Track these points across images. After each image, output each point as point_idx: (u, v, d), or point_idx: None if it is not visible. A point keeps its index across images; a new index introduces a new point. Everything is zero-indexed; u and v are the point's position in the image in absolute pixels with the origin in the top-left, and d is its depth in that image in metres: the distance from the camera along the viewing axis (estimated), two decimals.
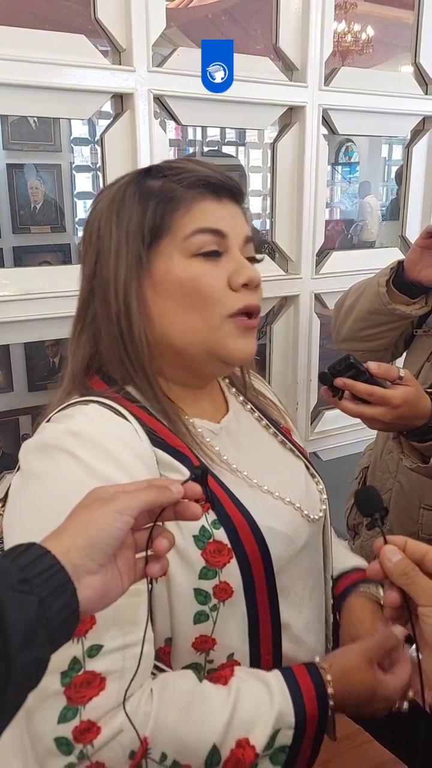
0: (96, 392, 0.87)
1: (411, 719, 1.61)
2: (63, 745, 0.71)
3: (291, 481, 0.97)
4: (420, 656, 0.67)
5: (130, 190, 0.88)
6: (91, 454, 0.79)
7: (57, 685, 0.72)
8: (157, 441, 0.84)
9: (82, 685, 0.72)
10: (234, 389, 1.04)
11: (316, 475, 1.03)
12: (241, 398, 1.03)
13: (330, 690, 0.83)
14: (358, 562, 1.13)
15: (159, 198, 0.86)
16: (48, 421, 0.87)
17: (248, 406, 1.03)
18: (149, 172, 0.89)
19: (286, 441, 1.02)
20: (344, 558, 1.12)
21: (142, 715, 0.73)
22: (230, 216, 0.88)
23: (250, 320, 0.88)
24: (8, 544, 0.81)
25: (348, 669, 0.85)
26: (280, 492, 0.93)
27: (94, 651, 0.73)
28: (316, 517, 0.97)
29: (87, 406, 0.84)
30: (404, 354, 1.64)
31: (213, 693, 0.79)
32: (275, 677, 0.82)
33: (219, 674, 0.82)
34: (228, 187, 0.89)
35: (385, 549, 0.68)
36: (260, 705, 0.79)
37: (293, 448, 1.03)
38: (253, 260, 0.91)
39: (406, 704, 0.88)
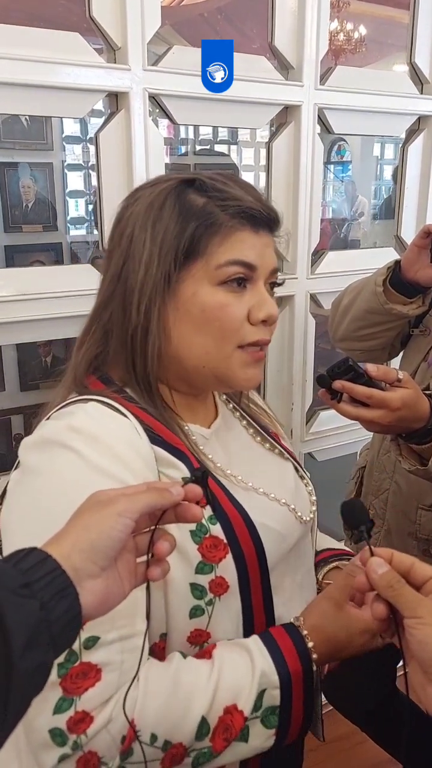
0: (94, 391, 0.88)
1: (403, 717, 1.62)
2: (57, 736, 0.72)
3: (281, 483, 0.98)
4: (406, 668, 0.67)
5: (170, 201, 0.86)
6: (92, 450, 0.79)
7: (53, 676, 0.72)
8: (155, 438, 0.85)
9: (78, 676, 0.73)
10: (225, 396, 1.04)
11: (305, 476, 1.05)
12: (231, 405, 1.04)
13: (310, 643, 0.83)
14: (333, 545, 1.15)
15: (199, 220, 0.85)
16: (48, 419, 0.87)
17: (237, 414, 1.03)
18: (192, 183, 0.87)
19: (275, 445, 1.03)
20: (320, 541, 1.14)
21: (129, 700, 0.74)
22: (263, 247, 0.88)
23: (260, 352, 0.90)
24: (6, 540, 0.82)
25: (320, 617, 0.86)
26: (274, 493, 0.94)
27: (91, 642, 0.74)
28: (308, 518, 0.98)
29: (87, 404, 0.85)
30: (401, 353, 1.64)
31: (198, 667, 0.80)
32: (254, 641, 0.83)
33: (203, 651, 0.84)
34: (268, 219, 0.89)
35: (372, 561, 0.68)
36: (243, 669, 0.80)
37: (282, 451, 1.03)
38: (274, 285, 0.92)
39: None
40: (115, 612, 0.66)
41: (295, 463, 1.04)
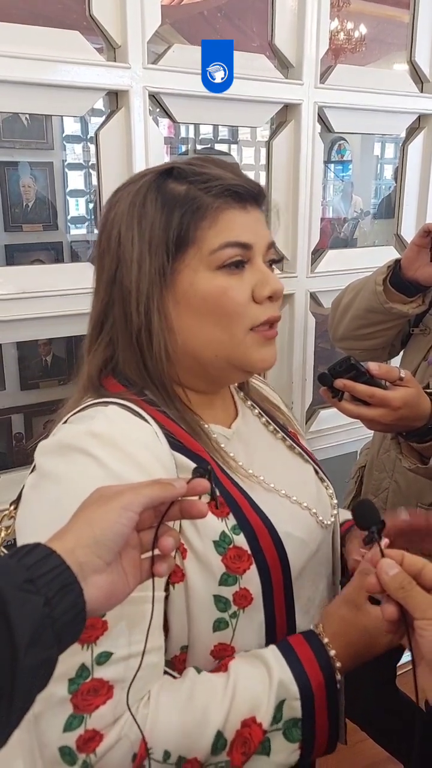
0: (113, 394, 0.85)
1: (407, 717, 1.61)
2: (67, 755, 0.70)
3: (302, 485, 0.96)
4: (415, 669, 0.66)
5: (151, 195, 0.84)
6: (111, 456, 0.77)
7: (64, 691, 0.71)
8: (176, 445, 0.83)
9: (89, 692, 0.71)
10: (242, 393, 1.02)
11: (326, 479, 1.02)
12: (249, 402, 1.02)
13: (332, 652, 0.80)
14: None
15: (184, 207, 0.82)
16: (65, 422, 0.85)
17: (256, 411, 1.01)
18: (170, 173, 0.85)
19: (295, 445, 1.01)
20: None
21: (141, 718, 0.72)
22: (254, 223, 0.86)
23: (271, 330, 0.87)
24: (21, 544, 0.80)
25: (340, 623, 0.83)
26: (296, 496, 0.92)
27: (103, 658, 0.72)
28: (329, 522, 0.96)
29: (107, 408, 0.82)
30: (401, 353, 1.64)
31: (212, 681, 0.77)
32: (272, 651, 0.81)
33: (220, 665, 0.81)
34: (253, 193, 0.86)
35: (382, 562, 0.68)
36: (260, 681, 0.77)
37: (302, 452, 1.01)
38: (273, 262, 0.90)
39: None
40: (131, 627, 0.66)
41: (315, 465, 1.02)
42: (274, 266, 0.90)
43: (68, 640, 0.56)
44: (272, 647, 0.81)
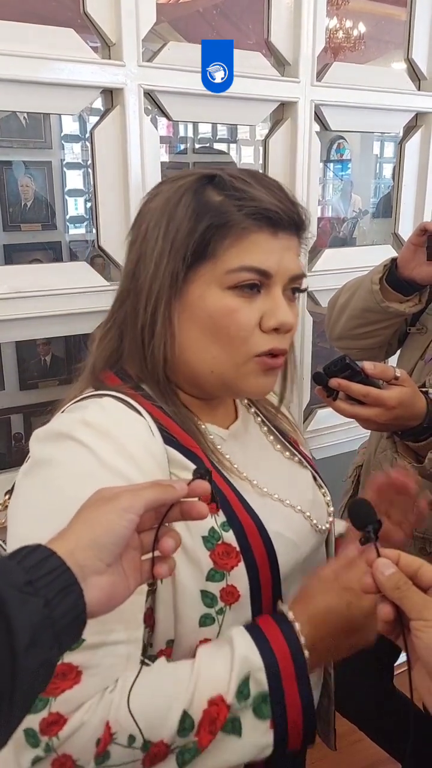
0: (110, 387, 0.85)
1: (404, 717, 1.61)
2: (31, 737, 0.70)
3: (298, 490, 0.96)
4: (411, 671, 0.66)
5: (187, 198, 0.82)
6: (102, 446, 0.77)
7: None
8: (169, 439, 0.83)
9: (57, 676, 0.70)
10: (246, 400, 1.01)
11: (323, 486, 1.01)
12: (254, 409, 1.01)
13: (290, 614, 0.80)
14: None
15: (212, 219, 0.80)
16: (62, 412, 0.85)
17: (258, 419, 1.00)
18: (212, 179, 0.83)
19: (294, 452, 1.00)
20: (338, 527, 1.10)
21: (106, 703, 0.72)
22: (282, 250, 0.82)
23: (274, 360, 0.85)
24: (10, 528, 0.80)
25: (304, 592, 0.82)
26: (291, 500, 0.92)
27: (76, 644, 0.71)
28: (324, 527, 0.95)
29: (102, 399, 0.83)
30: (398, 352, 1.64)
31: (179, 666, 0.77)
32: (237, 629, 0.79)
33: (191, 654, 0.81)
34: (290, 220, 0.83)
35: (378, 562, 0.67)
36: (223, 657, 0.76)
37: (301, 459, 1.00)
38: (295, 290, 0.86)
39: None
40: (107, 616, 0.66)
41: (314, 472, 1.02)
42: (297, 295, 0.87)
43: (68, 641, 0.56)
44: (239, 626, 0.80)
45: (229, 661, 0.76)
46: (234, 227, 0.80)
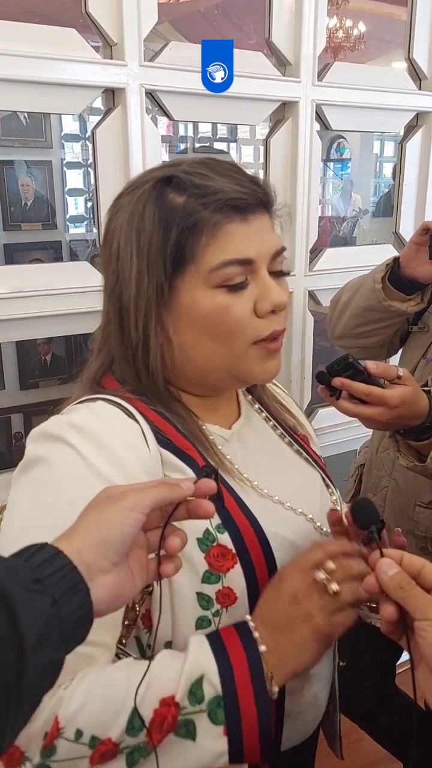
0: (108, 390, 0.85)
1: (406, 717, 1.61)
2: None
3: (304, 491, 0.95)
4: (414, 671, 0.66)
5: (150, 207, 0.81)
6: (89, 449, 0.77)
7: None
8: (164, 441, 0.83)
9: None
10: (251, 396, 1.01)
11: (331, 486, 1.01)
12: (257, 405, 1.00)
13: (247, 616, 0.78)
14: None
15: (181, 224, 0.79)
16: (57, 414, 0.86)
17: (264, 414, 1.00)
18: (169, 182, 0.82)
19: (302, 450, 0.99)
20: None
21: (57, 698, 0.71)
22: (257, 233, 0.82)
23: (275, 343, 0.85)
24: (4, 528, 0.80)
25: (266, 599, 0.79)
26: (292, 502, 0.90)
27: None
28: (328, 529, 0.93)
29: (95, 403, 0.83)
30: (400, 351, 1.64)
31: (135, 664, 0.75)
32: (196, 635, 0.78)
33: None
34: (256, 201, 0.82)
35: (382, 562, 0.67)
36: (178, 658, 0.75)
37: (308, 457, 1.00)
38: (280, 273, 0.86)
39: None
40: None
41: (322, 472, 1.01)
42: (283, 271, 0.87)
43: (75, 640, 0.56)
44: (201, 634, 0.79)
45: (182, 662, 0.75)
46: (205, 225, 0.79)
